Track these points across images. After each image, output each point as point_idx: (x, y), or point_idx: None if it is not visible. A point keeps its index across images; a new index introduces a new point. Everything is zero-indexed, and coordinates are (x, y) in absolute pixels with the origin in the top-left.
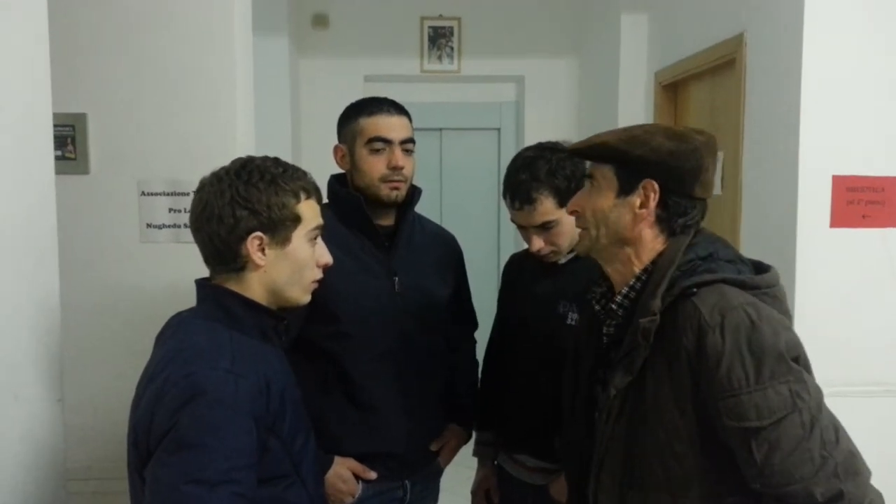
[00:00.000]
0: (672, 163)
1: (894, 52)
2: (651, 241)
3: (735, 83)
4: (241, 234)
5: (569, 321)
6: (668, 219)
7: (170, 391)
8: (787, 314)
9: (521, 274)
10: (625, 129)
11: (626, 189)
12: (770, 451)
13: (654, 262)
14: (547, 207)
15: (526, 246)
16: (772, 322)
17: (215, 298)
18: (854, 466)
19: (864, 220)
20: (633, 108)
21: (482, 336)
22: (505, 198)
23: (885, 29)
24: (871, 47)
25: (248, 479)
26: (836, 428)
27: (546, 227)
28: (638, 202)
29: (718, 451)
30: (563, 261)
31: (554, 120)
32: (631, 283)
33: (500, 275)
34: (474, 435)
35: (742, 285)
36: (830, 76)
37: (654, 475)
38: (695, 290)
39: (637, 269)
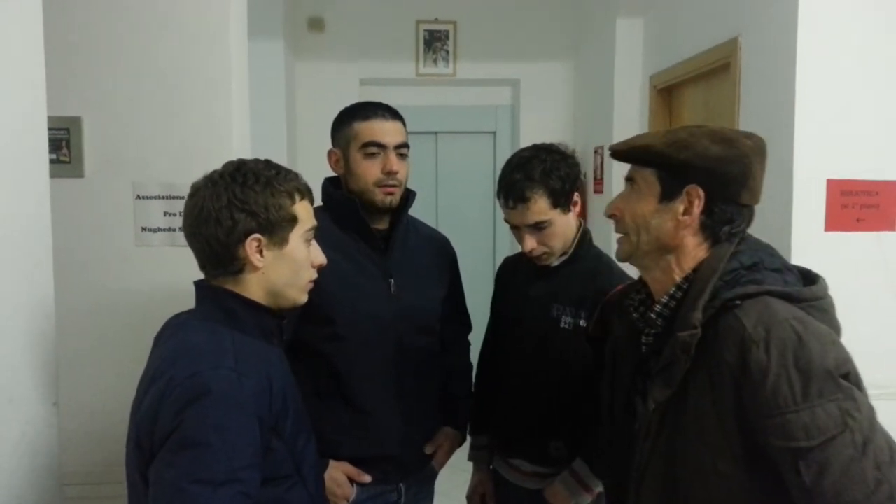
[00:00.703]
0: (718, 168)
1: (889, 57)
2: (694, 249)
3: (730, 87)
4: (240, 237)
5: (562, 324)
6: (712, 226)
7: (174, 391)
8: (836, 327)
9: (514, 276)
10: (669, 132)
11: (668, 194)
12: (820, 473)
13: (694, 271)
14: (541, 207)
15: (520, 249)
16: (820, 337)
17: (215, 299)
18: None
19: (859, 224)
20: (629, 111)
21: (476, 339)
22: (499, 197)
23: (879, 33)
24: (866, 51)
25: (252, 478)
26: (892, 448)
27: (539, 228)
28: (681, 208)
29: (765, 471)
30: (555, 263)
31: (549, 123)
32: (671, 291)
33: (495, 277)
34: (469, 439)
35: (788, 298)
36: (824, 80)
37: (696, 494)
38: (738, 302)
39: (678, 278)
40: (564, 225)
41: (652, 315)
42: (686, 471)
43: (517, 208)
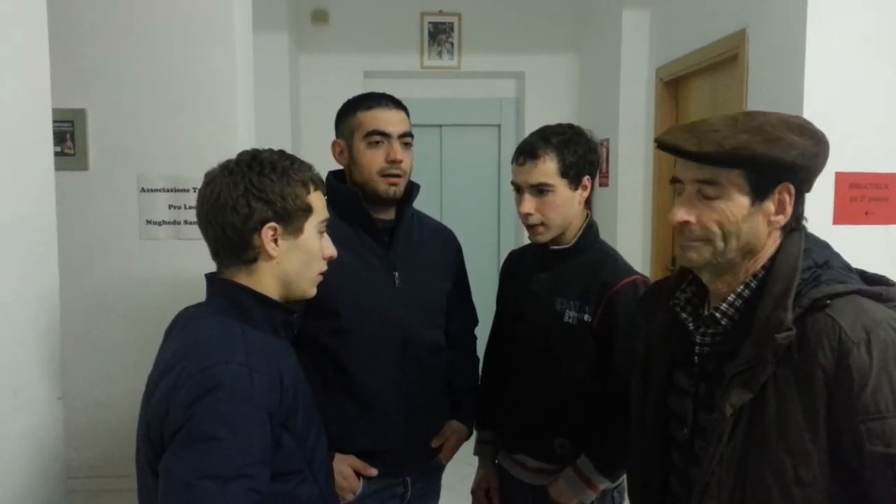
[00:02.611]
0: (813, 165)
1: None
2: (771, 246)
3: (737, 79)
4: (256, 225)
5: (566, 319)
6: (791, 219)
7: (185, 385)
8: None
9: (518, 270)
10: (750, 129)
11: (761, 195)
12: None
13: (764, 268)
14: (548, 168)
15: (524, 243)
16: None
17: (226, 293)
18: None
19: (868, 217)
20: (635, 104)
21: (483, 332)
22: (512, 161)
23: (889, 25)
24: (875, 43)
25: (262, 474)
26: None
27: (541, 191)
28: (773, 208)
29: (848, 479)
30: (556, 246)
31: (555, 116)
32: (739, 290)
33: (499, 271)
34: (475, 433)
35: (878, 297)
36: (833, 72)
37: (770, 502)
38: (828, 301)
39: (748, 275)
40: (567, 200)
41: (716, 314)
42: (761, 478)
43: (525, 165)
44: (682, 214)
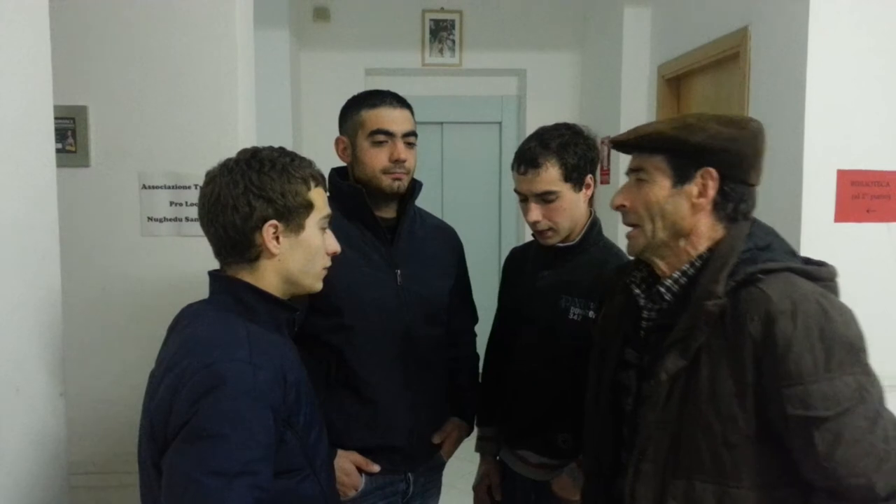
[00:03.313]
0: (732, 149)
1: None
2: (709, 230)
3: (739, 77)
4: (257, 223)
5: (571, 316)
6: (725, 206)
7: (189, 381)
8: None
9: (521, 268)
10: (675, 118)
11: (682, 178)
12: (833, 443)
13: (710, 250)
14: (551, 175)
15: (526, 240)
16: (842, 312)
17: (230, 290)
18: None
19: (869, 215)
20: (636, 102)
21: (483, 330)
22: (512, 167)
23: (891, 22)
24: (878, 41)
25: (265, 471)
26: None
27: (547, 199)
28: (696, 191)
29: (773, 443)
30: (560, 244)
31: (556, 114)
32: (683, 268)
33: (501, 269)
34: (476, 430)
35: (808, 275)
36: (836, 70)
37: (702, 465)
38: (761, 276)
39: (692, 256)
40: (573, 202)
41: (661, 289)
42: (693, 440)
43: (527, 174)
44: (619, 199)
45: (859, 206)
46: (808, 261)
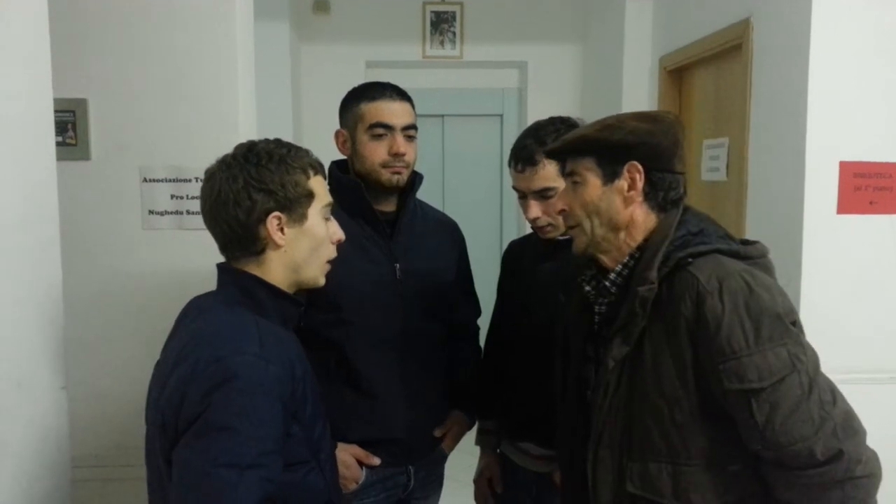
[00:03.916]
0: (652, 141)
1: None
2: (643, 221)
3: (741, 68)
4: (260, 216)
5: None
6: (655, 196)
7: (200, 374)
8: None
9: (520, 261)
10: (596, 122)
11: (611, 175)
12: (771, 412)
13: (646, 240)
14: (549, 172)
15: (526, 232)
16: (768, 287)
17: (239, 283)
18: (852, 426)
19: (872, 207)
20: (638, 93)
21: (483, 323)
22: (510, 164)
23: (895, 13)
24: (881, 32)
25: (275, 463)
26: (833, 390)
27: (545, 195)
28: (625, 185)
29: (719, 420)
30: (559, 237)
31: (557, 106)
32: (624, 261)
33: (501, 261)
34: (477, 423)
35: (736, 255)
36: (838, 61)
37: (654, 446)
38: (690, 260)
39: (631, 248)
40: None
41: (606, 283)
42: (643, 424)
43: (525, 172)
44: (559, 204)
45: (862, 198)
46: (744, 242)
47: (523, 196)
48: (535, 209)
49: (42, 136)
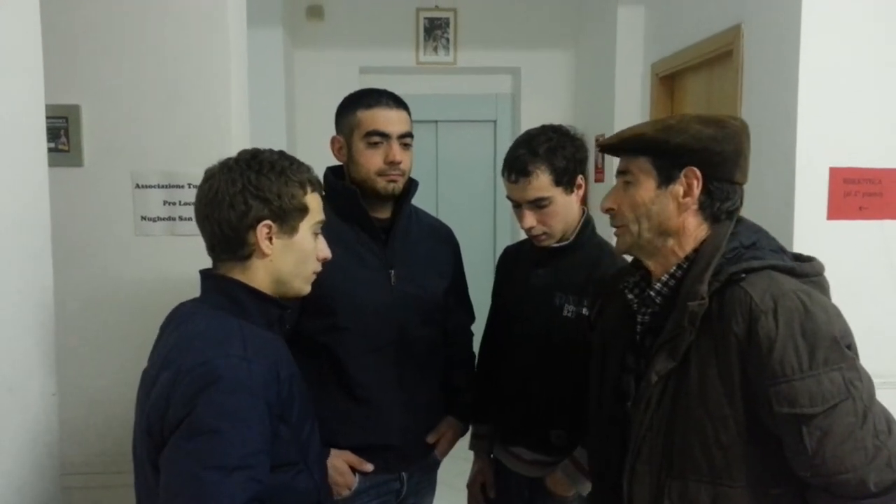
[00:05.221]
0: (714, 148)
1: (893, 43)
2: (695, 230)
3: (732, 74)
4: (251, 223)
5: (565, 313)
6: (710, 205)
7: (185, 378)
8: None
9: (515, 266)
10: (657, 121)
11: (666, 179)
12: (822, 439)
13: (696, 250)
14: (542, 182)
15: (520, 238)
16: (825, 308)
17: (222, 289)
18: None
19: (862, 212)
20: (630, 99)
21: (478, 329)
22: (503, 173)
23: (883, 20)
24: (870, 38)
25: (263, 464)
26: (889, 419)
27: (539, 205)
28: (681, 191)
29: (765, 441)
30: (554, 245)
31: (550, 112)
32: (671, 270)
33: (495, 267)
34: (470, 428)
35: (791, 272)
36: (828, 67)
37: (695, 464)
38: (743, 275)
39: (679, 258)
40: (566, 205)
41: (651, 293)
42: (686, 441)
43: (518, 183)
44: (607, 203)
45: (851, 203)
46: (797, 257)
47: (517, 205)
48: (530, 218)
49: (34, 142)
